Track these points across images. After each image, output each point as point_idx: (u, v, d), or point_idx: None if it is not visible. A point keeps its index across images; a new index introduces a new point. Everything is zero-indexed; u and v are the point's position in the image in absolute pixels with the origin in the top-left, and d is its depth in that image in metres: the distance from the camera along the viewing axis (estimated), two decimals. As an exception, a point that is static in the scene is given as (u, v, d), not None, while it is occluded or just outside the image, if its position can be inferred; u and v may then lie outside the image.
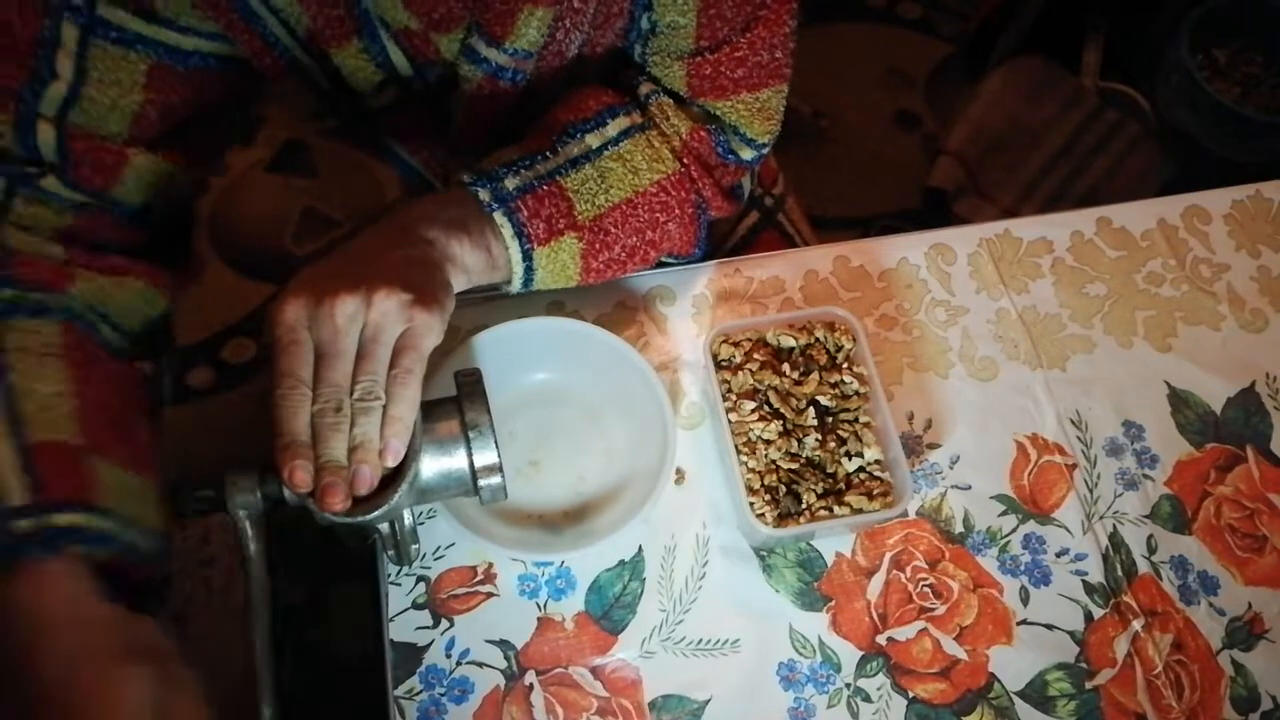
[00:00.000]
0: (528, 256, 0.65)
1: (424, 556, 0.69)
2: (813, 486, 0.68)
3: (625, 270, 0.71)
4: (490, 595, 0.68)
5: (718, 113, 0.70)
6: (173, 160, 0.63)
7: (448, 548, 0.69)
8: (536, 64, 0.66)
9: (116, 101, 0.59)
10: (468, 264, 0.63)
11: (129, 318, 0.63)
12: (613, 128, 0.69)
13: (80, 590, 0.50)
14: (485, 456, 0.59)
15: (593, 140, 0.68)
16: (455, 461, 0.59)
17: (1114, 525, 0.73)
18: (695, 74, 0.68)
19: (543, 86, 0.70)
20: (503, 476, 0.59)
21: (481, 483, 0.59)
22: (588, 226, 0.67)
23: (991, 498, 0.73)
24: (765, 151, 0.74)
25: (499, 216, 0.64)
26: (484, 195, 0.64)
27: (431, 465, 0.59)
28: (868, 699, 0.67)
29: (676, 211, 0.71)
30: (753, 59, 0.67)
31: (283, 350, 0.55)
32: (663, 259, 0.76)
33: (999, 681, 0.67)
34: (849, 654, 0.68)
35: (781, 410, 0.70)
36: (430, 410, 0.60)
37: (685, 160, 0.70)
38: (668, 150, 0.70)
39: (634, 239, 0.70)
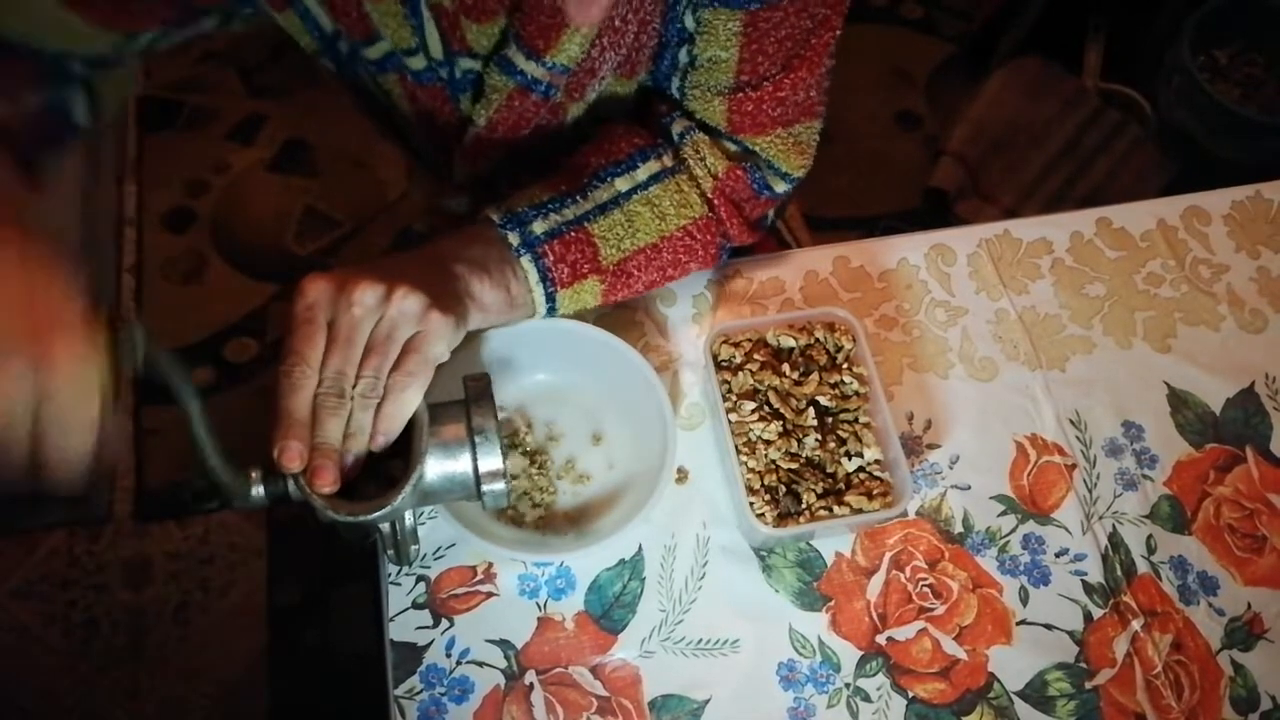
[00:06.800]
0: (550, 299, 0.66)
1: (424, 556, 0.69)
2: (813, 486, 0.68)
3: (641, 295, 0.73)
4: (490, 595, 0.68)
5: (755, 148, 0.70)
6: None
7: (448, 547, 0.69)
8: (567, 80, 0.66)
9: None
10: (486, 302, 0.64)
11: None
12: (643, 172, 0.69)
13: None
14: (490, 462, 0.59)
15: (622, 184, 0.69)
16: (459, 465, 0.59)
17: (1113, 525, 0.73)
18: (736, 110, 0.68)
19: (565, 112, 0.70)
20: (506, 482, 0.59)
21: (485, 488, 0.59)
22: (611, 270, 0.68)
23: (991, 498, 0.73)
24: (797, 184, 0.74)
25: (525, 261, 0.65)
26: (513, 239, 0.65)
27: (435, 468, 0.59)
28: (867, 699, 0.67)
29: (700, 253, 0.72)
30: (792, 97, 0.67)
31: (296, 328, 0.55)
32: None
33: (998, 681, 0.67)
34: (849, 654, 0.68)
35: (781, 410, 0.70)
36: (437, 413, 0.60)
37: (715, 202, 0.71)
38: (696, 195, 0.71)
39: (655, 276, 0.71)
